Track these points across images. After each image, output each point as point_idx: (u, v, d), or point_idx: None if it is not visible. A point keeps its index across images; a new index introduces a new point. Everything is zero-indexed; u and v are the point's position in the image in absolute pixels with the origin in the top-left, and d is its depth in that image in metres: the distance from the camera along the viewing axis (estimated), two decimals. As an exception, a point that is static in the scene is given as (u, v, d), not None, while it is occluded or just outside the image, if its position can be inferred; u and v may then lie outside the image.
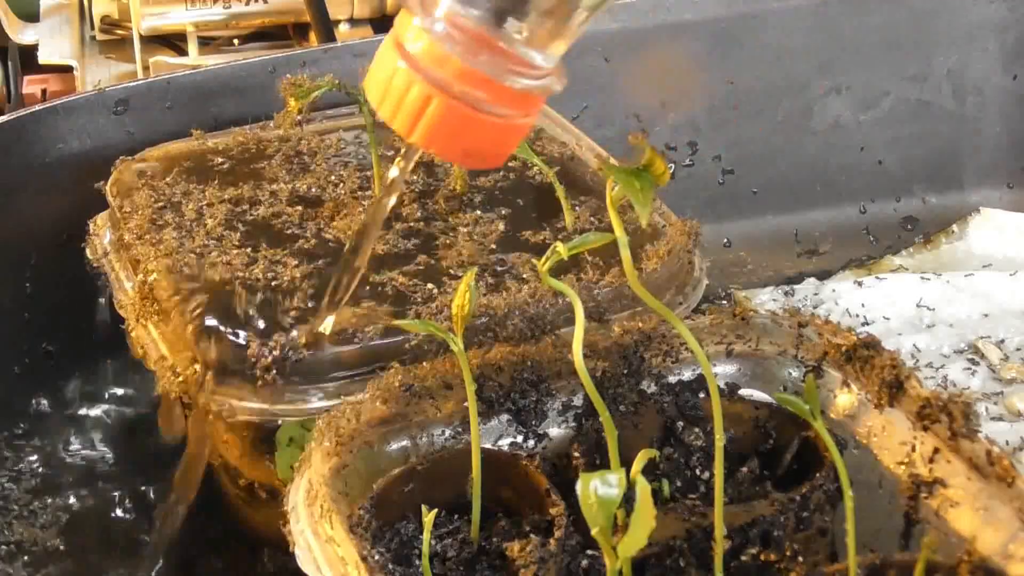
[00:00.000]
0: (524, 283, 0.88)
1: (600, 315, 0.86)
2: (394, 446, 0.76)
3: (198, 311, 0.86)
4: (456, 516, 0.73)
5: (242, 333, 0.84)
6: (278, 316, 0.85)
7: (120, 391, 1.13)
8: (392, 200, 0.77)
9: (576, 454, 0.75)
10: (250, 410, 0.83)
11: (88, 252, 1.00)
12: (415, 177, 1.02)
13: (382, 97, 0.69)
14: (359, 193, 1.00)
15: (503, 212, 0.98)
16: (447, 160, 0.81)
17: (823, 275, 1.27)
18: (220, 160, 1.04)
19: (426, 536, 0.69)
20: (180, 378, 0.85)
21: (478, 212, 0.97)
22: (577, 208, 0.96)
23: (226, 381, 0.83)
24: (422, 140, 0.68)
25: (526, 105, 0.69)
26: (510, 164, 1.03)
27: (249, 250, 0.92)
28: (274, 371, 0.82)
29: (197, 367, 0.85)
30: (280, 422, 0.87)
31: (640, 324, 0.81)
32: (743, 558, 0.71)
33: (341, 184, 1.01)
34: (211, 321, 0.85)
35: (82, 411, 1.12)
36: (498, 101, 0.67)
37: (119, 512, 1.03)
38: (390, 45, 0.69)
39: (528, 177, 1.02)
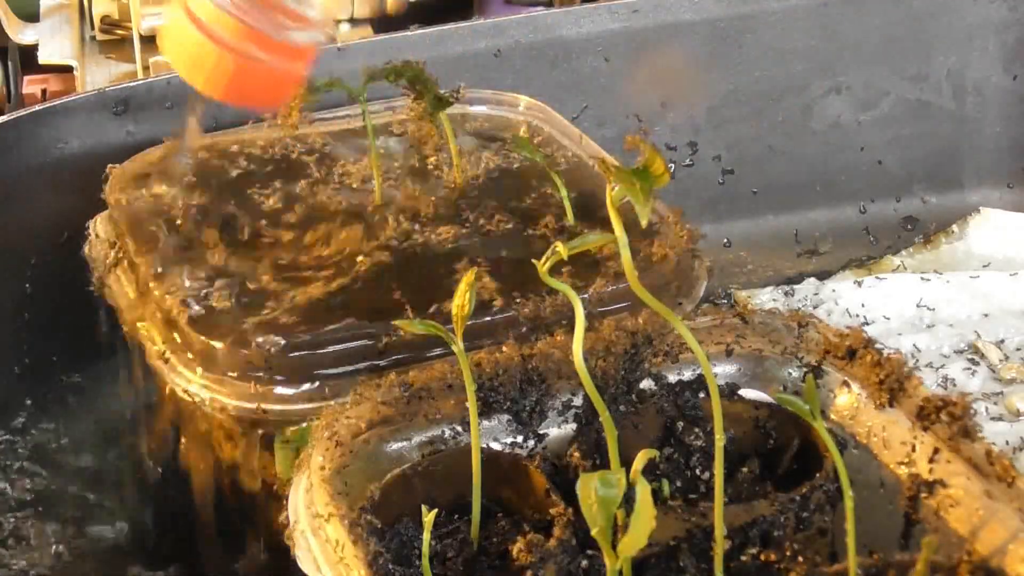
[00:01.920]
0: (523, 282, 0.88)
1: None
2: (394, 446, 0.76)
3: (194, 312, 0.86)
4: (456, 516, 0.73)
5: (240, 332, 0.84)
6: (274, 316, 0.85)
7: (120, 391, 1.13)
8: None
9: (576, 454, 0.75)
10: (248, 410, 0.83)
11: (88, 252, 1.00)
12: (411, 173, 1.02)
13: (174, 55, 0.83)
14: (358, 193, 1.00)
15: (503, 209, 0.98)
16: (234, 104, 0.91)
17: (823, 275, 1.27)
18: (219, 160, 1.04)
19: (426, 536, 0.69)
20: (176, 377, 0.85)
21: (476, 209, 0.97)
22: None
23: (223, 381, 0.83)
24: (207, 88, 0.82)
25: (296, 55, 0.83)
26: (509, 160, 1.03)
27: (245, 250, 0.92)
28: (269, 370, 0.83)
29: (192, 367, 0.85)
30: (280, 422, 0.87)
31: (640, 324, 0.81)
32: (743, 558, 0.70)
33: (339, 185, 1.01)
34: (207, 321, 0.85)
35: (81, 411, 1.12)
36: (268, 51, 0.80)
37: (119, 511, 1.03)
38: (179, 10, 0.81)
39: (528, 175, 1.02)
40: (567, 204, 0.96)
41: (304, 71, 0.85)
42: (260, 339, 0.83)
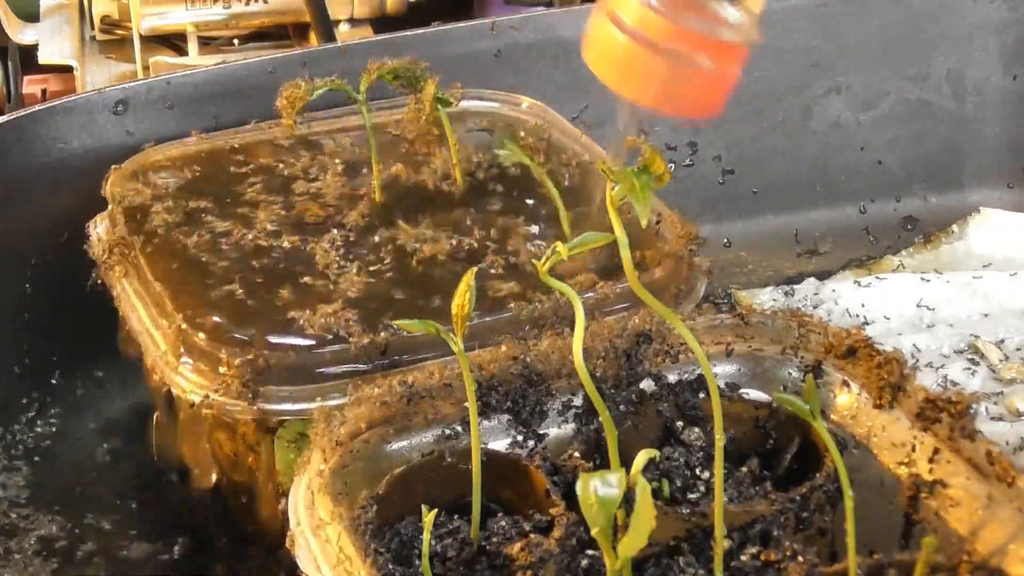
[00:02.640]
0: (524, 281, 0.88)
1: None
2: (394, 446, 0.76)
3: (195, 312, 0.86)
4: (456, 516, 0.73)
5: (240, 333, 0.84)
6: (274, 318, 0.85)
7: (119, 390, 1.13)
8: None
9: (576, 454, 0.75)
10: (248, 410, 0.83)
11: (89, 252, 1.00)
12: (410, 171, 1.02)
13: (599, 63, 0.79)
14: (357, 193, 1.00)
15: (503, 209, 0.98)
16: (667, 113, 0.87)
17: (823, 275, 1.27)
18: (220, 160, 1.04)
19: (426, 536, 0.69)
20: (176, 377, 0.85)
21: (476, 209, 0.98)
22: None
23: (223, 381, 0.83)
24: (638, 95, 0.77)
25: (730, 55, 0.79)
26: (512, 163, 1.03)
27: (245, 251, 0.92)
28: (269, 371, 0.83)
29: (192, 367, 0.85)
30: (280, 422, 0.87)
31: (640, 324, 0.81)
32: (743, 558, 0.71)
33: (340, 185, 1.01)
34: (206, 321, 0.85)
35: (82, 410, 1.12)
36: (702, 52, 0.76)
37: (119, 510, 1.03)
38: (602, 16, 0.76)
39: (528, 175, 1.02)
40: (560, 206, 0.96)
41: (738, 72, 0.81)
42: (261, 339, 0.83)
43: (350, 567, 0.67)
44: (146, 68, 1.49)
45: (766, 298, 1.22)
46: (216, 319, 0.85)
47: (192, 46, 1.49)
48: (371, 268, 0.91)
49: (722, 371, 0.82)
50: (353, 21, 1.56)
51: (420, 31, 1.23)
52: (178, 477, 1.04)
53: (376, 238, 0.94)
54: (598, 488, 0.59)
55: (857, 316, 1.17)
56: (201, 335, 0.85)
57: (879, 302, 1.19)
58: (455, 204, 0.99)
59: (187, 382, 0.85)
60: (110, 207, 1.00)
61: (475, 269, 0.70)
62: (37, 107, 1.13)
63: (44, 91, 1.57)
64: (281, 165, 1.04)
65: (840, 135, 1.37)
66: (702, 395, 0.79)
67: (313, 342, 0.83)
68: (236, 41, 1.55)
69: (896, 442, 0.75)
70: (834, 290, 1.21)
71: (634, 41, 0.75)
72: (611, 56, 0.78)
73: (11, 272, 1.11)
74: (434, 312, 0.85)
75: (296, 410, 0.82)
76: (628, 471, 0.61)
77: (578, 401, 0.79)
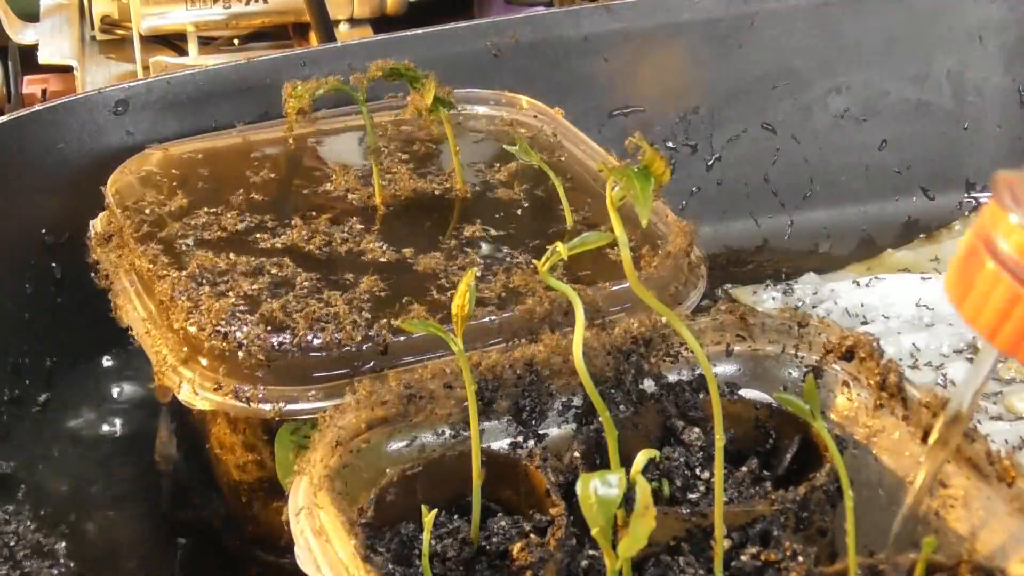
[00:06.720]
0: (525, 282, 0.88)
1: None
2: (394, 446, 0.76)
3: (194, 312, 0.86)
4: (456, 516, 0.73)
5: (240, 333, 0.84)
6: (274, 316, 0.85)
7: (120, 390, 1.14)
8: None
9: (576, 454, 0.75)
10: (248, 410, 0.83)
11: (88, 253, 1.00)
12: (413, 173, 1.02)
13: (963, 294, 0.61)
14: (357, 194, 1.00)
15: (505, 211, 0.98)
16: None
17: (823, 274, 1.27)
18: (221, 161, 1.04)
19: (426, 536, 0.69)
20: (176, 377, 0.85)
21: (477, 209, 0.98)
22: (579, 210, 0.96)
23: (223, 381, 0.83)
24: (1007, 345, 0.60)
25: None
26: (510, 161, 1.03)
27: (246, 252, 0.92)
28: (269, 371, 0.83)
29: (192, 367, 0.85)
30: (280, 422, 0.87)
31: (640, 324, 0.81)
32: (743, 558, 0.70)
33: (339, 186, 1.01)
34: (207, 321, 0.85)
35: (82, 410, 1.12)
36: None
37: (118, 510, 1.03)
38: (976, 239, 0.61)
39: (528, 175, 1.02)
40: (566, 205, 0.96)
41: None
42: (260, 339, 0.83)
43: (350, 567, 0.67)
44: (146, 68, 1.49)
45: (766, 297, 1.22)
46: (216, 320, 0.85)
47: (192, 46, 1.49)
48: (371, 268, 0.91)
49: (722, 371, 0.82)
50: (353, 21, 1.56)
51: (420, 31, 1.23)
52: (179, 476, 1.04)
53: (376, 239, 0.94)
54: (598, 488, 0.59)
55: (857, 316, 1.17)
56: (201, 336, 0.85)
57: (879, 301, 1.19)
58: (455, 204, 0.99)
59: (187, 382, 0.85)
60: (110, 207, 1.00)
61: (475, 269, 0.70)
62: (37, 107, 1.13)
63: (44, 91, 1.57)
64: (282, 166, 1.04)
65: (840, 135, 1.37)
66: (702, 395, 0.79)
67: (314, 342, 0.83)
68: (236, 41, 1.55)
69: (896, 442, 0.75)
70: (833, 289, 1.21)
71: (1014, 281, 0.59)
72: (975, 287, 0.61)
73: (11, 272, 1.11)
74: (435, 312, 0.85)
75: (296, 410, 0.82)
76: (628, 471, 0.61)
77: (578, 401, 0.79)
